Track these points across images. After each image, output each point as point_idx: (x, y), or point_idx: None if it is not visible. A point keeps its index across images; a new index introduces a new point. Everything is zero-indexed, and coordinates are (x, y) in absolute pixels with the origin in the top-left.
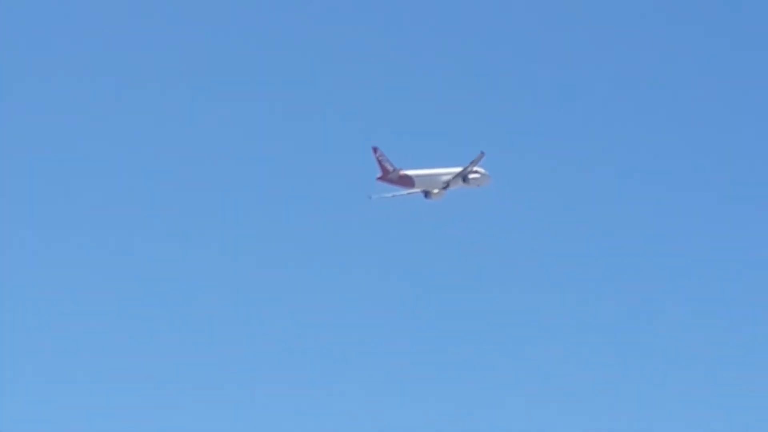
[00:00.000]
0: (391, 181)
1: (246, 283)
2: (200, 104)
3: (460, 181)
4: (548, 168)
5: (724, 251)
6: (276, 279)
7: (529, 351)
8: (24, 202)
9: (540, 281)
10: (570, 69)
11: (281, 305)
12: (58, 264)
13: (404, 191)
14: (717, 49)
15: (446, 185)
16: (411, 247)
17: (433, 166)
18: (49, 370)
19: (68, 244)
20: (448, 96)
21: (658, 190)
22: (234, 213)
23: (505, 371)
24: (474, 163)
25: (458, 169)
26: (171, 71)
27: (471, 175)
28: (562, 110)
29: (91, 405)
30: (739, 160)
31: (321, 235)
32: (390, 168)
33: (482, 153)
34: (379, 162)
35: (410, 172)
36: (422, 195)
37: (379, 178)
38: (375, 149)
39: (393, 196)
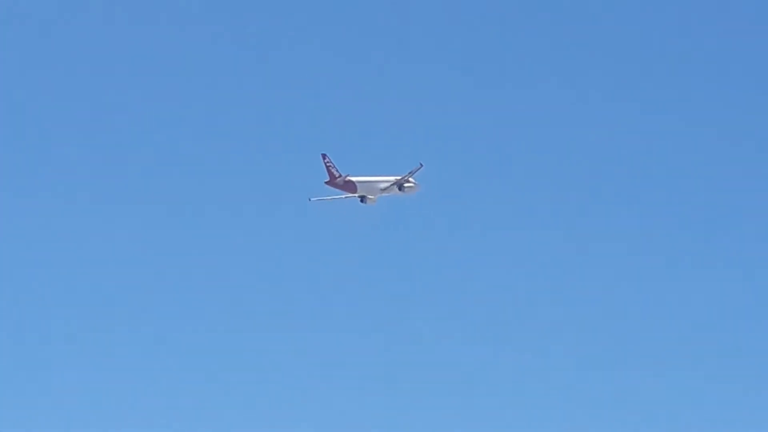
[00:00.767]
0: (337, 186)
1: (179, 284)
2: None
3: (395, 189)
4: (478, 179)
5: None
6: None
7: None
8: (24, 203)
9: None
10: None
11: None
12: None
13: (345, 195)
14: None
15: (383, 192)
16: (345, 246)
17: (371, 173)
18: (50, 370)
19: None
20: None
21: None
22: (198, 209)
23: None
24: (411, 173)
25: (396, 178)
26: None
27: (406, 185)
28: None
29: (91, 405)
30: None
31: (260, 233)
32: (336, 174)
33: (421, 164)
34: (327, 168)
35: (354, 179)
36: (358, 200)
37: (327, 183)
38: (324, 156)
39: (331, 198)
